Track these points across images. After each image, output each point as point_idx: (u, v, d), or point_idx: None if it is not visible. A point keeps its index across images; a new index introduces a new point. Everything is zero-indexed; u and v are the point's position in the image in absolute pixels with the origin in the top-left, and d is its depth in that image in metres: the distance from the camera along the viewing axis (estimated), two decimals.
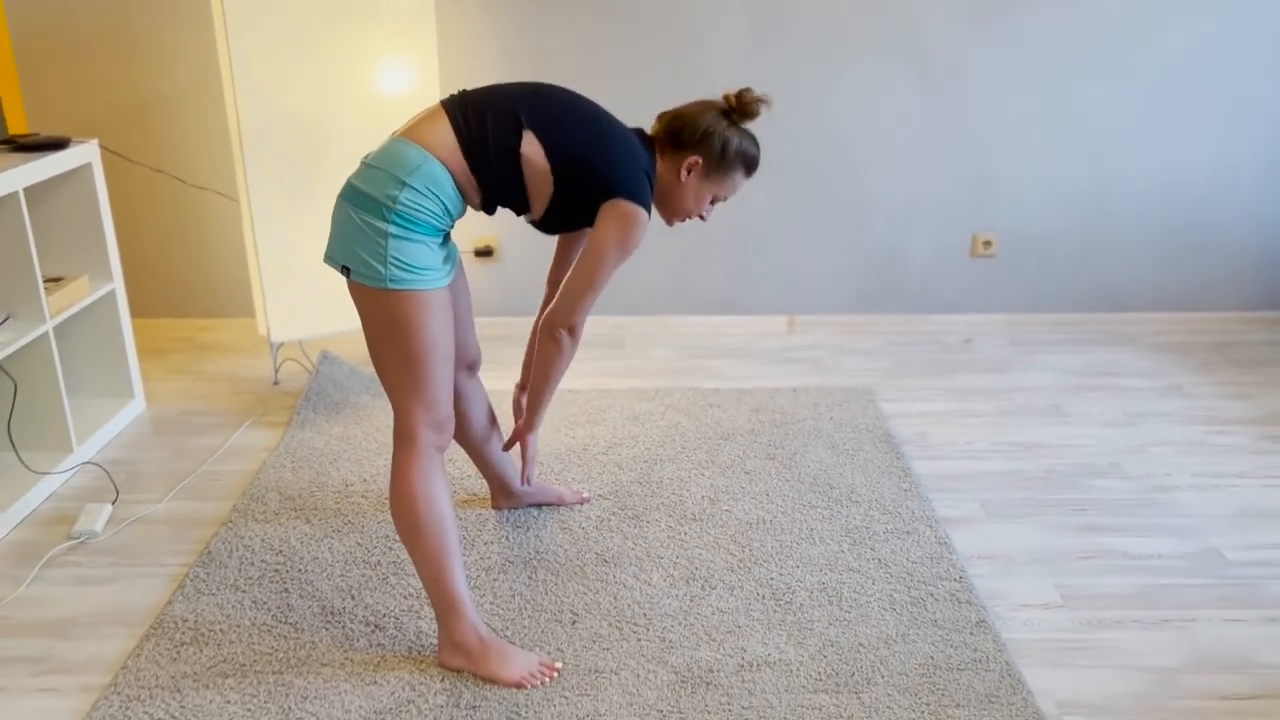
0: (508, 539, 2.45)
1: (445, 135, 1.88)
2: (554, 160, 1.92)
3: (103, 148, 3.54)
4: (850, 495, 2.62)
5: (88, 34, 3.46)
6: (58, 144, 2.77)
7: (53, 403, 2.74)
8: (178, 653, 2.06)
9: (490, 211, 2.01)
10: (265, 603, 2.22)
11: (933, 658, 2.03)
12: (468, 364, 2.29)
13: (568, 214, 2.00)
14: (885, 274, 3.78)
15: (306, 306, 3.15)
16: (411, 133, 1.89)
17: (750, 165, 2.11)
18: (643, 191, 1.98)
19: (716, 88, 3.53)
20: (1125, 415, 3.08)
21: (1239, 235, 3.72)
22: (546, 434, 2.95)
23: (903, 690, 1.95)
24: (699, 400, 3.18)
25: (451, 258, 2.03)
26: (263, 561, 2.36)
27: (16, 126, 3.47)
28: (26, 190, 2.85)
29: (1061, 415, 3.09)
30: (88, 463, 2.82)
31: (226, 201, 3.65)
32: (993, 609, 2.20)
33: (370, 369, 3.40)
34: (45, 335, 2.69)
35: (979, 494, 2.65)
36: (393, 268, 1.83)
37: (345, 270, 1.88)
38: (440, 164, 1.86)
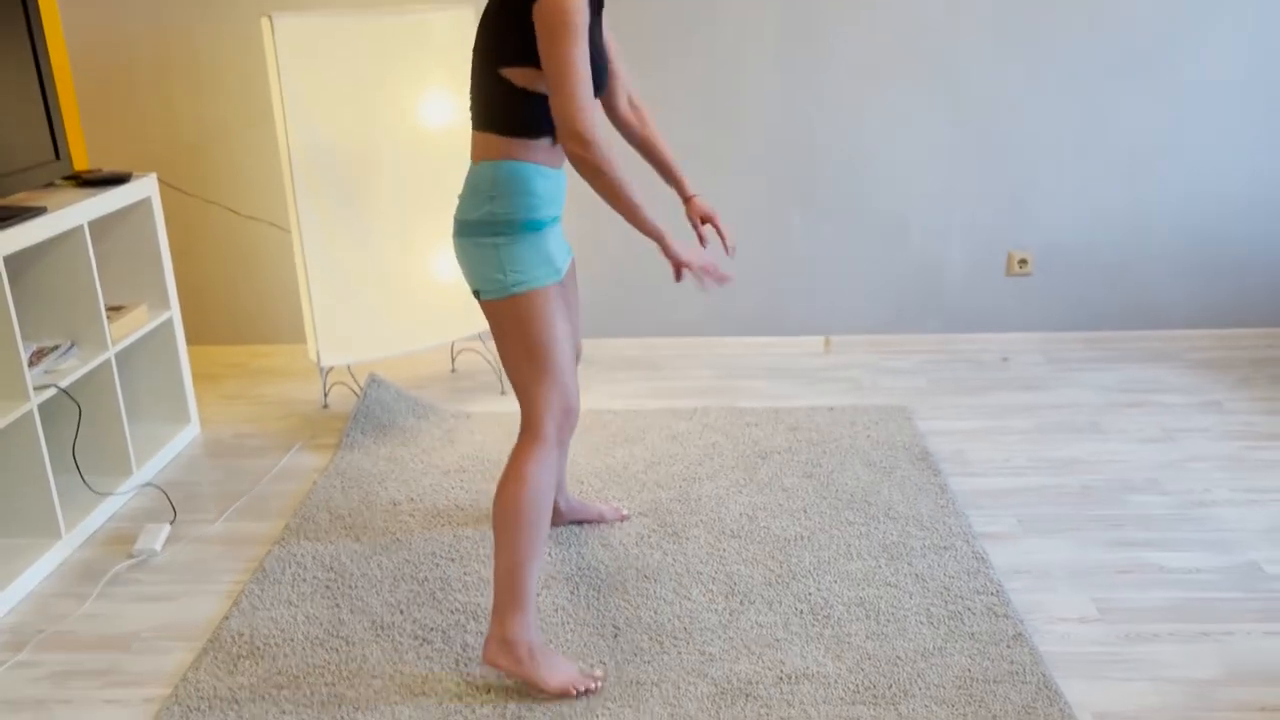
0: (550, 555, 2.51)
1: (487, 138, 1.97)
2: (525, 60, 1.88)
3: (160, 181, 3.68)
4: (887, 512, 2.66)
5: (145, 73, 3.60)
6: (119, 179, 2.89)
7: (114, 427, 2.85)
8: (234, 665, 2.14)
9: None
10: (317, 617, 2.29)
11: (970, 670, 2.06)
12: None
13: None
14: (921, 293, 3.82)
15: (355, 332, 3.25)
16: (474, 154, 2.01)
17: None
18: None
19: (749, 110, 3.61)
20: (1163, 431, 3.09)
21: (1277, 249, 3.71)
22: (586, 454, 3.01)
23: (940, 702, 1.98)
24: (736, 419, 3.23)
25: (566, 251, 2.12)
26: (314, 578, 2.44)
27: (80, 163, 3.62)
28: (90, 223, 2.97)
29: (1099, 432, 3.10)
30: (147, 484, 2.93)
31: (278, 232, 3.77)
32: (1029, 622, 2.22)
33: (416, 392, 3.49)
34: (107, 362, 2.80)
35: (1016, 510, 2.68)
36: (511, 274, 1.95)
37: (477, 294, 2.00)
38: (509, 161, 1.95)
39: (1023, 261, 3.75)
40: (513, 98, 1.92)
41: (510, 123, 1.94)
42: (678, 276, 2.02)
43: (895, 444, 3.03)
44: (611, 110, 2.27)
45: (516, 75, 1.91)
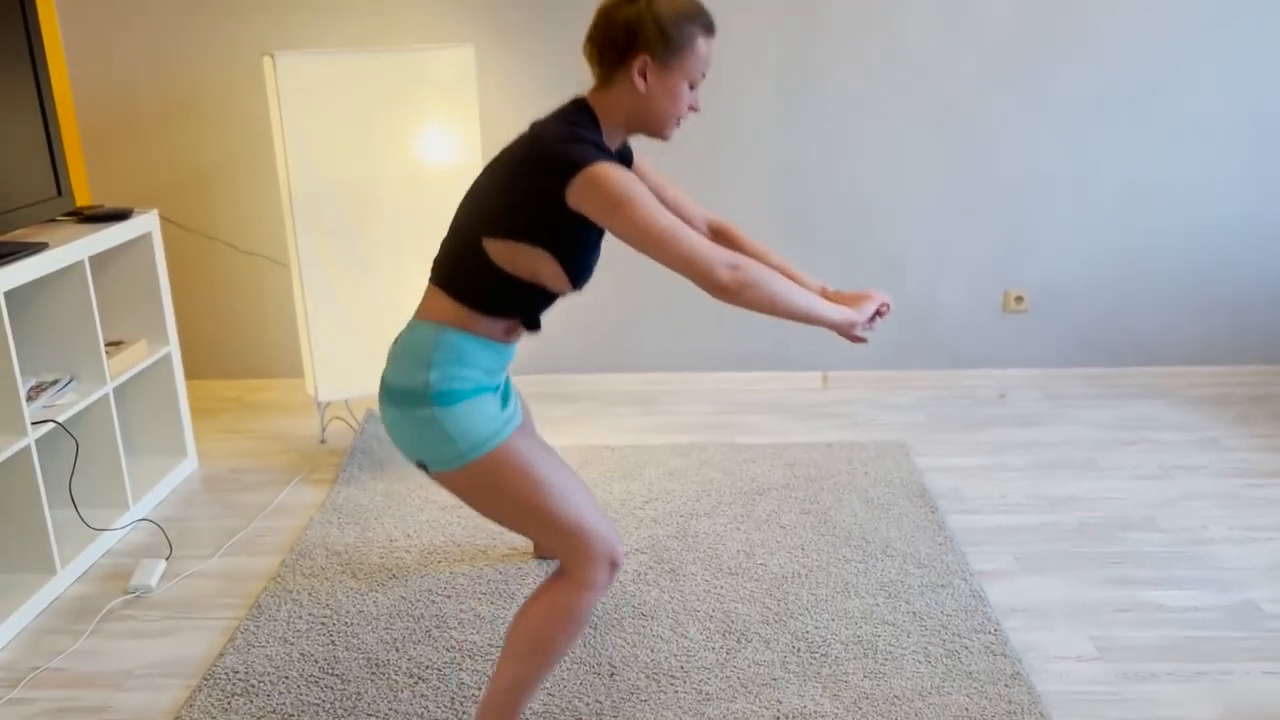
0: None
1: (441, 298, 1.83)
2: (518, 236, 1.76)
3: (161, 217, 3.70)
4: (885, 549, 2.65)
5: (148, 110, 3.63)
6: (120, 215, 2.91)
7: (111, 461, 2.85)
8: (229, 703, 2.13)
9: (537, 328, 1.90)
10: (312, 655, 2.28)
11: (967, 710, 2.05)
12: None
13: (580, 244, 1.80)
14: (918, 330, 3.83)
15: (353, 366, 3.26)
16: (420, 310, 1.87)
17: (700, 20, 1.80)
18: (567, 156, 1.71)
19: (748, 149, 3.64)
20: (1161, 468, 3.09)
21: (1274, 286, 3.73)
22: None
23: None
24: (734, 455, 3.22)
25: (509, 394, 2.02)
26: (310, 615, 2.43)
27: (82, 199, 3.64)
28: (91, 259, 2.99)
29: (1096, 469, 3.10)
30: (143, 519, 2.92)
31: (277, 267, 3.79)
32: (1027, 661, 2.21)
33: None
34: (105, 396, 2.80)
35: (1013, 547, 2.67)
36: (459, 443, 1.78)
37: (422, 465, 1.84)
38: (455, 331, 1.81)
39: (1019, 299, 3.76)
40: (486, 272, 1.78)
41: (473, 295, 1.80)
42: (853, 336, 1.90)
43: (893, 480, 3.02)
44: None
45: (498, 250, 1.76)
